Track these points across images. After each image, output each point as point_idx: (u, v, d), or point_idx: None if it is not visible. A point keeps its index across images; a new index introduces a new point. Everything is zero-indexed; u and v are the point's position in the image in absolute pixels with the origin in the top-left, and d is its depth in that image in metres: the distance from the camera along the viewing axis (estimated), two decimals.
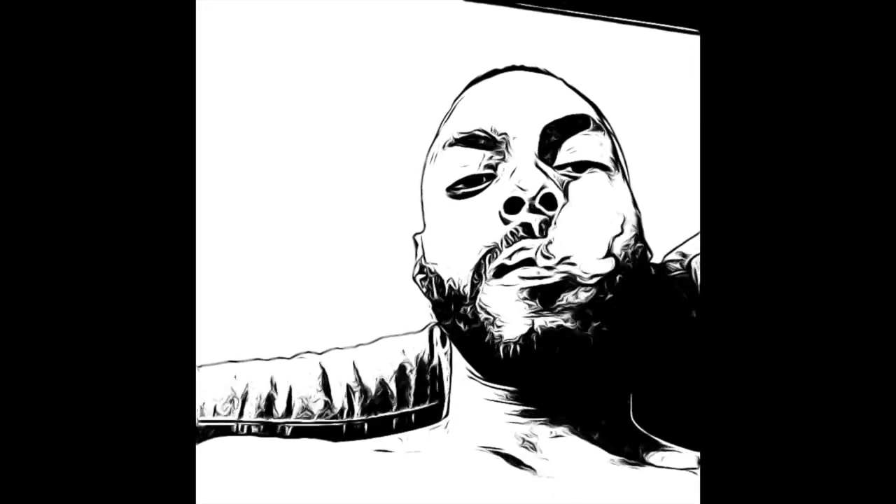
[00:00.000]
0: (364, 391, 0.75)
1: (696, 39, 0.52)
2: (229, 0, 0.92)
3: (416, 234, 0.72)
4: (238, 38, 0.92)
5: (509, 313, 0.60)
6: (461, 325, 0.63)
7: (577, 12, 0.85)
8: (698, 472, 0.54)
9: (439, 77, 0.79)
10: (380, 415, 0.74)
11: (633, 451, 0.64)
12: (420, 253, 0.70)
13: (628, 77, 0.88)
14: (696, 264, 0.77)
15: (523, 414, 0.63)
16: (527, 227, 0.61)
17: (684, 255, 0.79)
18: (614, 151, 0.68)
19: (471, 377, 0.66)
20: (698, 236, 0.78)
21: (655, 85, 0.88)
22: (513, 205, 0.62)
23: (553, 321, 0.59)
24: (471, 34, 0.93)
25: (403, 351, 0.78)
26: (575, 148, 0.66)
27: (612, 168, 0.66)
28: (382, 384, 0.76)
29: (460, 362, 0.68)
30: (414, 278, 0.71)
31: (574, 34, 0.89)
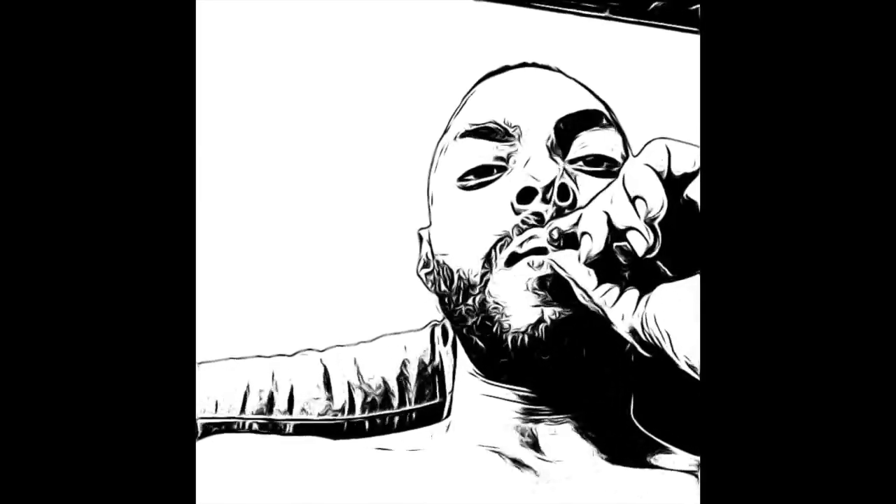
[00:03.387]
0: (365, 389, 0.75)
1: (696, 39, 0.52)
2: (229, 0, 0.92)
3: (422, 228, 0.72)
4: (238, 37, 0.92)
5: (518, 302, 0.61)
6: (469, 317, 0.63)
7: (577, 11, 0.85)
8: (698, 473, 0.54)
9: (444, 75, 0.79)
10: (381, 412, 0.75)
11: (633, 450, 0.64)
12: (426, 248, 0.70)
13: (628, 76, 0.88)
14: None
15: (526, 412, 0.63)
16: (538, 216, 0.61)
17: None
18: (625, 149, 0.69)
19: (473, 374, 0.66)
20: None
21: (655, 84, 0.88)
22: (525, 195, 0.62)
23: (562, 311, 0.59)
24: (475, 32, 0.93)
25: (405, 348, 0.78)
26: (587, 143, 0.66)
27: (622, 163, 0.67)
28: (384, 382, 0.76)
29: (463, 360, 0.68)
30: (418, 273, 0.71)
31: (574, 33, 0.89)
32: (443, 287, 0.66)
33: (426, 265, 0.69)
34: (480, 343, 0.63)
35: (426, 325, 0.79)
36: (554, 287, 0.59)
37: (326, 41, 0.95)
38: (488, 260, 0.62)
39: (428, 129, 0.72)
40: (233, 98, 0.91)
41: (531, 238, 0.61)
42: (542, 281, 0.60)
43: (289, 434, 0.72)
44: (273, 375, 0.76)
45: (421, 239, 0.72)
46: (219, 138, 0.89)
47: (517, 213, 0.62)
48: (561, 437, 0.63)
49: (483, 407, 0.65)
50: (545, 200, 0.61)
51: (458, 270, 0.64)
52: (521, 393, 0.63)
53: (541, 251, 0.60)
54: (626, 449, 0.64)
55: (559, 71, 0.71)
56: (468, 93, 0.71)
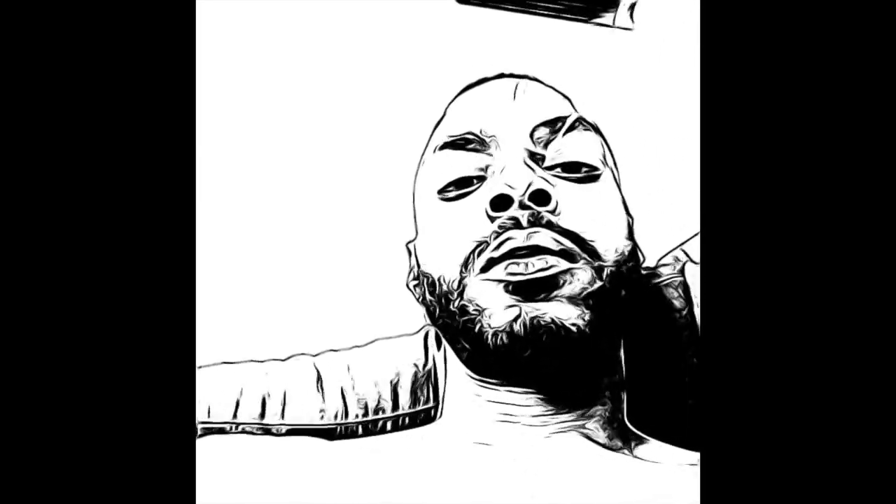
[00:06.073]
0: (358, 393, 0.75)
1: (696, 43, 0.53)
2: (229, 0, 0.92)
3: (409, 242, 0.72)
4: (238, 37, 0.92)
5: (495, 303, 0.61)
6: (452, 322, 0.63)
7: (576, 17, 0.85)
8: (697, 467, 0.54)
9: (437, 82, 0.79)
10: (374, 417, 0.74)
11: (624, 447, 0.64)
12: (413, 261, 0.71)
13: (629, 80, 0.89)
14: (689, 267, 0.77)
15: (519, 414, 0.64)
16: (515, 221, 0.62)
17: (678, 259, 0.79)
18: (604, 153, 0.69)
19: (468, 377, 0.66)
20: (693, 239, 0.78)
21: (656, 87, 0.89)
22: (501, 202, 0.63)
23: (539, 309, 0.60)
24: (466, 40, 0.93)
25: (398, 353, 0.78)
26: (563, 149, 0.66)
27: (601, 169, 0.67)
28: (377, 386, 0.76)
29: (455, 364, 0.68)
30: (408, 286, 0.71)
31: (573, 37, 0.90)
32: (428, 297, 0.66)
33: (415, 277, 0.70)
34: (466, 344, 0.63)
35: (420, 330, 0.79)
36: (527, 290, 0.60)
37: (327, 45, 0.95)
38: (466, 265, 0.63)
39: (423, 136, 0.73)
40: (233, 99, 0.91)
41: (507, 240, 0.61)
42: (519, 285, 0.60)
43: (283, 435, 0.72)
44: (266, 380, 0.76)
45: (409, 252, 0.72)
46: (219, 140, 0.88)
47: (492, 220, 0.62)
48: (556, 434, 0.63)
49: (476, 409, 0.65)
50: (522, 207, 0.62)
51: (438, 278, 0.65)
52: (515, 392, 0.63)
53: (516, 254, 0.61)
54: (620, 444, 0.64)
55: (536, 79, 0.72)
56: (447, 106, 0.72)
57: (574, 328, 0.60)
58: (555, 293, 0.60)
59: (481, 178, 0.66)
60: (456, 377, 0.68)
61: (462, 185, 0.66)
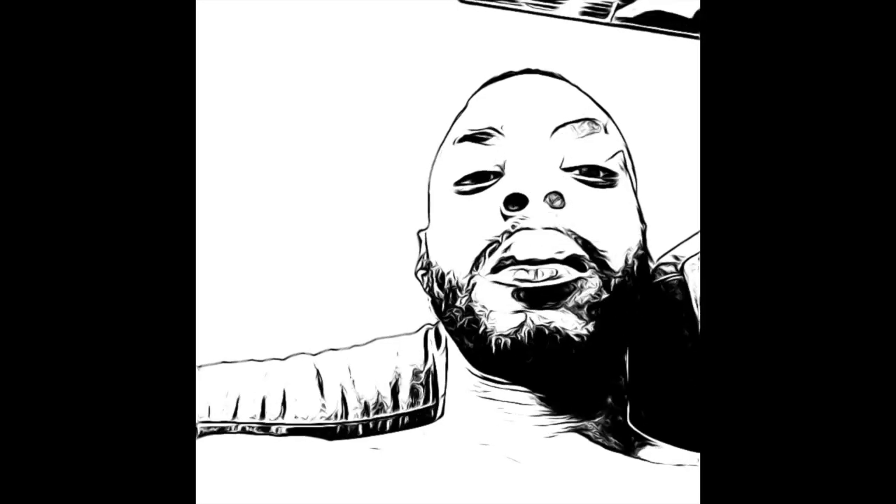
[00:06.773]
0: (358, 392, 0.75)
1: (697, 44, 0.53)
2: (229, 0, 0.92)
3: (421, 230, 0.72)
4: (238, 37, 0.92)
5: (501, 307, 0.61)
6: (457, 319, 0.63)
7: (577, 17, 0.85)
8: (697, 466, 0.54)
9: (444, 79, 0.79)
10: (374, 416, 0.74)
11: (625, 447, 0.65)
12: (423, 249, 0.70)
13: (628, 81, 0.89)
14: (689, 267, 0.77)
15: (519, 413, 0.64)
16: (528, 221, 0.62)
17: (677, 258, 0.79)
18: (624, 159, 0.69)
19: (470, 374, 0.66)
20: (693, 239, 0.78)
21: (656, 89, 0.89)
22: (515, 200, 0.62)
23: (545, 317, 0.60)
24: (475, 36, 0.93)
25: (398, 352, 0.78)
26: (584, 152, 0.66)
27: (620, 175, 0.67)
28: (377, 385, 0.76)
29: (455, 363, 0.68)
30: (416, 274, 0.71)
31: (574, 38, 0.90)
32: (435, 289, 0.66)
33: (424, 267, 0.70)
34: (469, 343, 0.63)
35: (419, 329, 0.79)
36: (535, 297, 0.60)
37: (327, 43, 0.95)
38: (476, 264, 0.63)
39: (425, 132, 0.72)
40: (233, 99, 0.91)
41: (518, 241, 0.61)
42: (527, 292, 0.60)
43: (283, 435, 0.72)
44: (266, 380, 0.76)
45: (420, 241, 0.72)
46: (219, 140, 0.88)
47: (506, 218, 0.62)
48: (556, 434, 0.63)
49: (477, 408, 0.65)
50: (536, 208, 0.61)
51: (448, 273, 0.64)
52: (517, 391, 0.64)
53: (525, 261, 0.61)
54: (620, 445, 0.64)
55: (562, 78, 0.71)
56: (470, 98, 0.72)
57: (578, 338, 0.60)
58: (562, 302, 0.60)
59: (498, 174, 0.66)
60: (457, 377, 0.68)
61: (478, 179, 0.66)
